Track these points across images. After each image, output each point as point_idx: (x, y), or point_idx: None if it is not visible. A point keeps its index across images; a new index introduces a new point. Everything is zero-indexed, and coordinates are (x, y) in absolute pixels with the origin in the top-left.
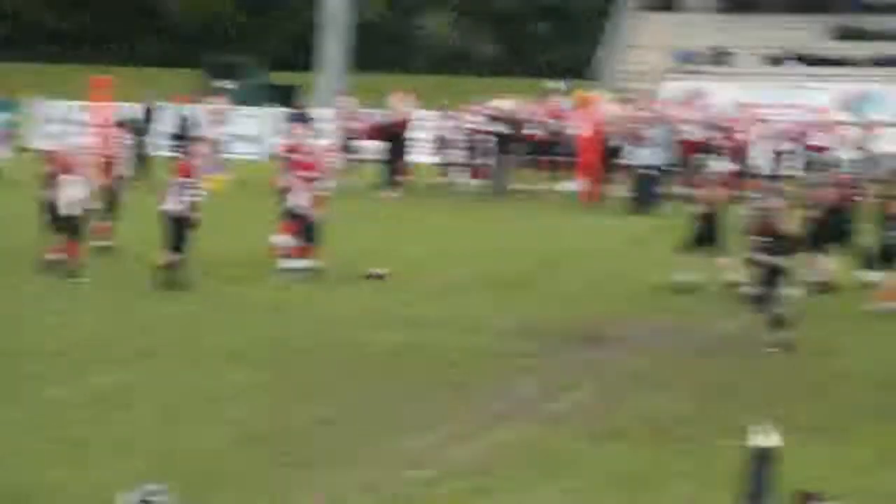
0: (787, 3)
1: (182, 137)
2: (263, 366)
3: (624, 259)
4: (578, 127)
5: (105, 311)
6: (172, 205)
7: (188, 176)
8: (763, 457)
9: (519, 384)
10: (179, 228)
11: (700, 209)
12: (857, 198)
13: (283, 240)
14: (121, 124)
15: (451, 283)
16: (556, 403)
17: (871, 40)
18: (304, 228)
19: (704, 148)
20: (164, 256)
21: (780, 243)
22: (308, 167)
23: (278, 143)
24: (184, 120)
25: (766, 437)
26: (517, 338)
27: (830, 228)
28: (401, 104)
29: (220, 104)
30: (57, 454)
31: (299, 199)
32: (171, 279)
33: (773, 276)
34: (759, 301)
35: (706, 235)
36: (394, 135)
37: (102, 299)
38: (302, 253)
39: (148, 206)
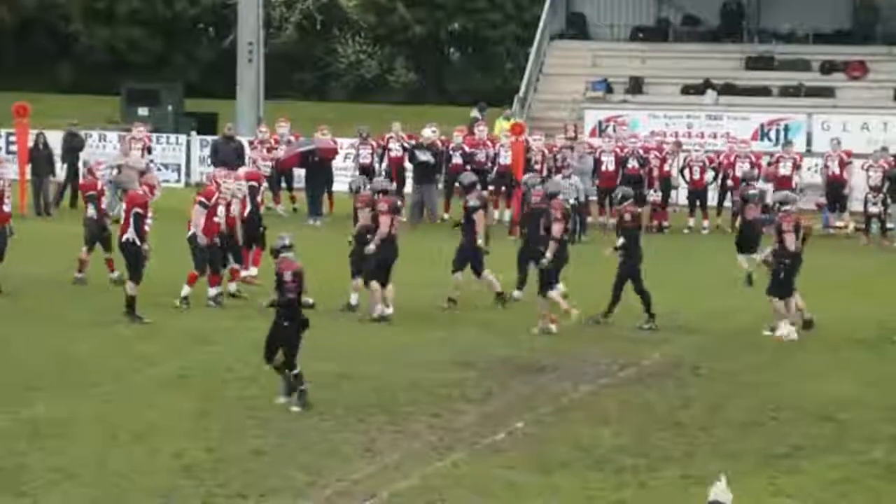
0: (700, 32)
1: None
2: (196, 396)
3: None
4: (506, 156)
5: (38, 342)
6: (130, 234)
7: (143, 206)
8: None
9: (455, 415)
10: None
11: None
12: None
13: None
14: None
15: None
16: (494, 434)
17: (784, 70)
18: (210, 256)
19: (626, 178)
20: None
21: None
22: (208, 194)
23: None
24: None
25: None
26: (452, 368)
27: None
28: (323, 133)
29: (141, 131)
30: None
31: (198, 228)
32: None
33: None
34: None
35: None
36: (318, 163)
37: (35, 328)
38: (211, 281)
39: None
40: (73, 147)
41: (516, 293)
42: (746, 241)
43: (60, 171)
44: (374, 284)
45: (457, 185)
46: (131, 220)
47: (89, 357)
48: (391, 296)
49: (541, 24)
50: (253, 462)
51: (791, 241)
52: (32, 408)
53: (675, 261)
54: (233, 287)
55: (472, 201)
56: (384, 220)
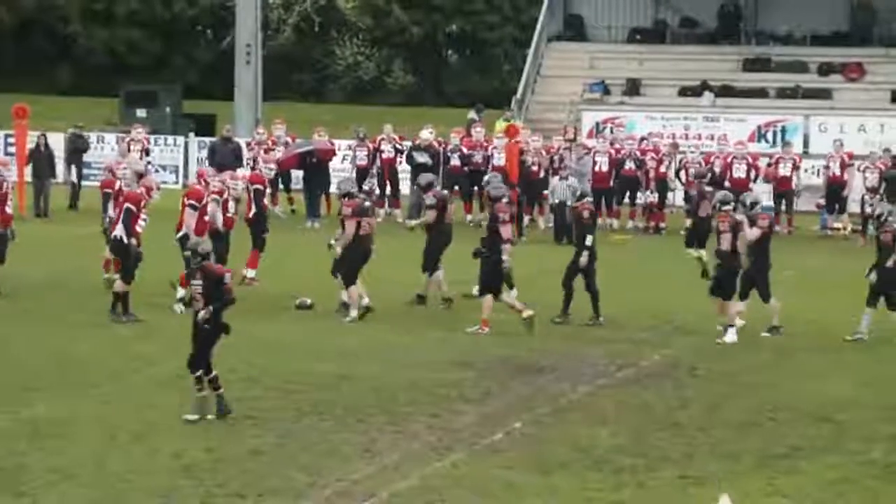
0: (697, 34)
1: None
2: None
3: (547, 290)
4: (499, 157)
5: (37, 342)
6: (119, 231)
7: (136, 203)
8: None
9: (454, 415)
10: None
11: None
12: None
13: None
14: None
15: (379, 313)
16: (493, 434)
17: (780, 72)
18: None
19: (622, 179)
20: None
21: None
22: (197, 195)
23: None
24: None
25: None
26: (451, 369)
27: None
28: (321, 134)
29: (139, 132)
30: None
31: (190, 230)
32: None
33: None
34: None
35: None
36: (315, 165)
37: (34, 329)
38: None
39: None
40: (77, 149)
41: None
42: (698, 237)
43: (68, 174)
44: (352, 289)
45: (456, 187)
46: (122, 216)
47: (89, 357)
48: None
49: (538, 26)
50: (252, 462)
51: (727, 242)
52: (32, 408)
53: (671, 262)
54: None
55: (429, 199)
56: (349, 224)
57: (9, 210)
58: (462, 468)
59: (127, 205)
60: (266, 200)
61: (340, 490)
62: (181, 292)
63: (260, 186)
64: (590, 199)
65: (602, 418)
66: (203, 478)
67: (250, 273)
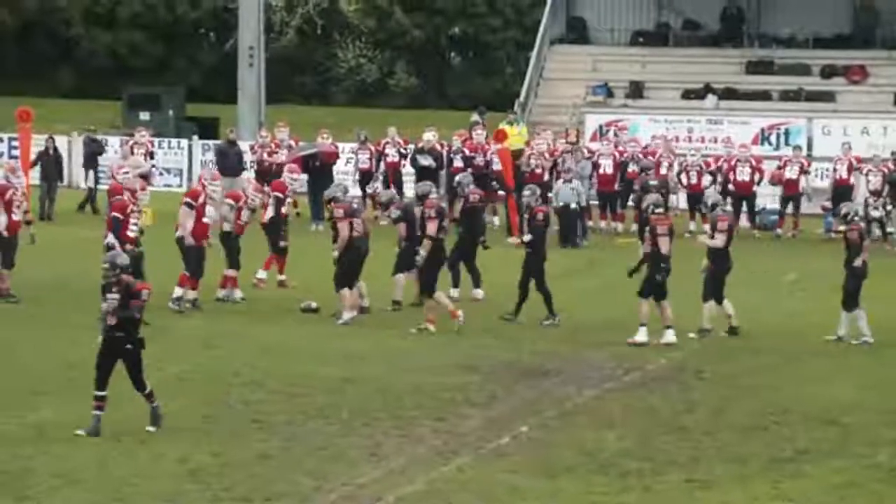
0: (700, 37)
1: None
2: (201, 400)
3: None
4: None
5: (43, 346)
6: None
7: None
8: None
9: (460, 419)
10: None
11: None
12: None
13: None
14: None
15: (384, 317)
16: (499, 439)
17: (783, 74)
18: (191, 259)
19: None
20: None
21: None
22: (194, 194)
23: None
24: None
25: None
26: (456, 372)
27: None
28: (325, 137)
29: (142, 135)
30: (1, 485)
31: (185, 230)
32: None
33: None
34: None
35: None
36: (320, 168)
37: (40, 333)
38: (190, 284)
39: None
40: (93, 152)
41: (453, 292)
42: (643, 232)
43: (85, 178)
44: (344, 291)
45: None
46: (111, 225)
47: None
48: (364, 291)
49: (541, 29)
50: (258, 466)
51: (665, 245)
52: (38, 412)
53: (676, 265)
54: (221, 293)
55: (393, 213)
56: (342, 226)
57: (15, 217)
58: (468, 472)
59: (114, 213)
60: (284, 209)
61: (346, 494)
62: (178, 291)
63: (280, 195)
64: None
65: (608, 422)
66: (209, 482)
67: (261, 274)
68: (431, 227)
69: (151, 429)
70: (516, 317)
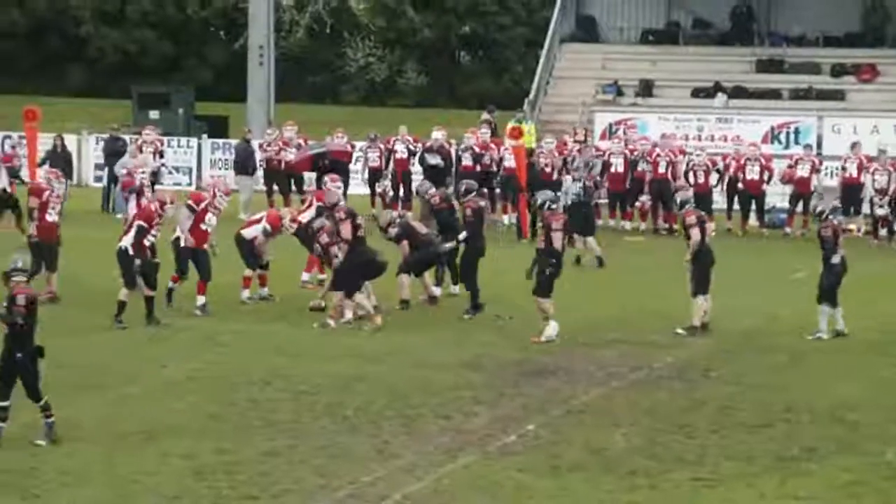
0: (710, 35)
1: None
2: (207, 398)
3: (564, 292)
4: (510, 159)
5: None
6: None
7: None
8: None
9: (467, 417)
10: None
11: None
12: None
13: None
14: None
15: (392, 316)
16: (506, 436)
17: (793, 73)
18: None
19: (635, 181)
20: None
21: None
22: (197, 199)
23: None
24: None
25: None
26: (463, 370)
27: None
28: (340, 136)
29: (149, 134)
30: (7, 484)
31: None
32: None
33: None
34: None
35: None
36: (330, 167)
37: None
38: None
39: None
40: (115, 151)
41: (437, 290)
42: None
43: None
44: (338, 294)
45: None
46: (134, 230)
47: (102, 360)
48: (370, 288)
49: (551, 28)
50: (265, 464)
51: (559, 241)
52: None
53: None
54: (264, 291)
55: (392, 232)
56: (344, 228)
57: (49, 218)
58: (475, 470)
59: (139, 222)
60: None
61: (353, 492)
62: (201, 300)
63: (322, 204)
64: (474, 194)
65: (615, 420)
66: (215, 480)
67: (305, 276)
68: (346, 230)
69: (41, 442)
70: (476, 312)
